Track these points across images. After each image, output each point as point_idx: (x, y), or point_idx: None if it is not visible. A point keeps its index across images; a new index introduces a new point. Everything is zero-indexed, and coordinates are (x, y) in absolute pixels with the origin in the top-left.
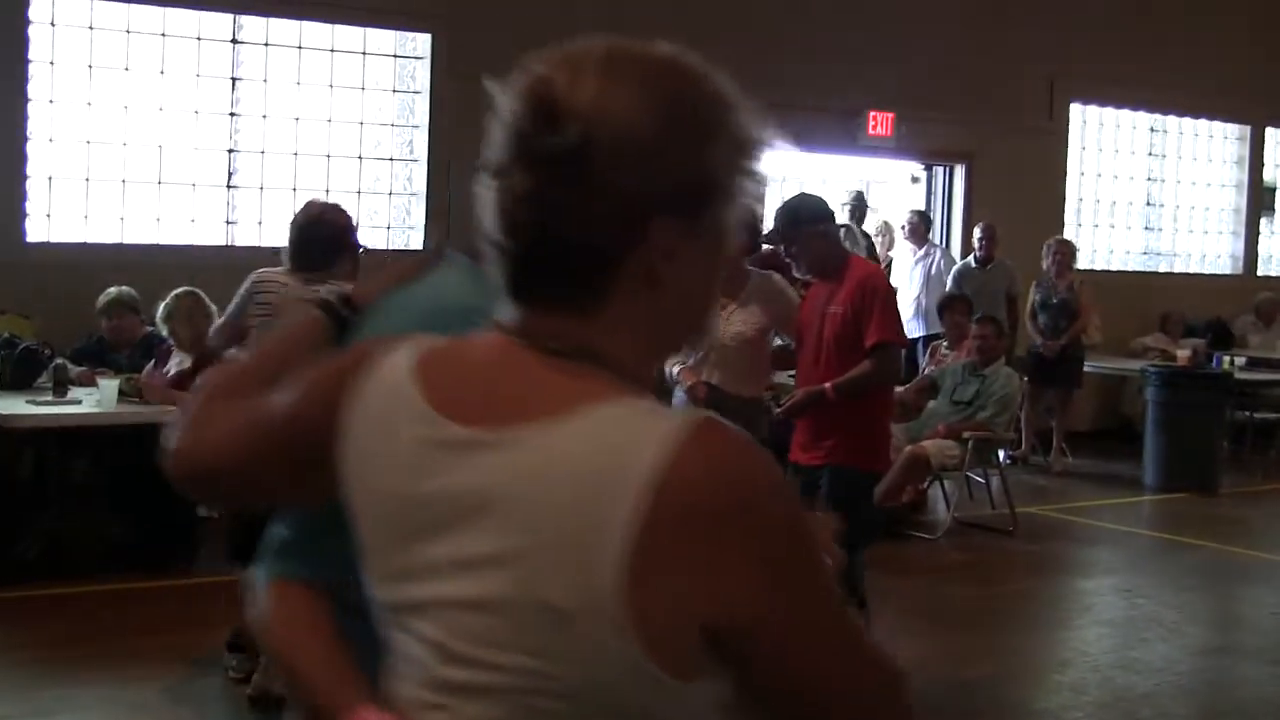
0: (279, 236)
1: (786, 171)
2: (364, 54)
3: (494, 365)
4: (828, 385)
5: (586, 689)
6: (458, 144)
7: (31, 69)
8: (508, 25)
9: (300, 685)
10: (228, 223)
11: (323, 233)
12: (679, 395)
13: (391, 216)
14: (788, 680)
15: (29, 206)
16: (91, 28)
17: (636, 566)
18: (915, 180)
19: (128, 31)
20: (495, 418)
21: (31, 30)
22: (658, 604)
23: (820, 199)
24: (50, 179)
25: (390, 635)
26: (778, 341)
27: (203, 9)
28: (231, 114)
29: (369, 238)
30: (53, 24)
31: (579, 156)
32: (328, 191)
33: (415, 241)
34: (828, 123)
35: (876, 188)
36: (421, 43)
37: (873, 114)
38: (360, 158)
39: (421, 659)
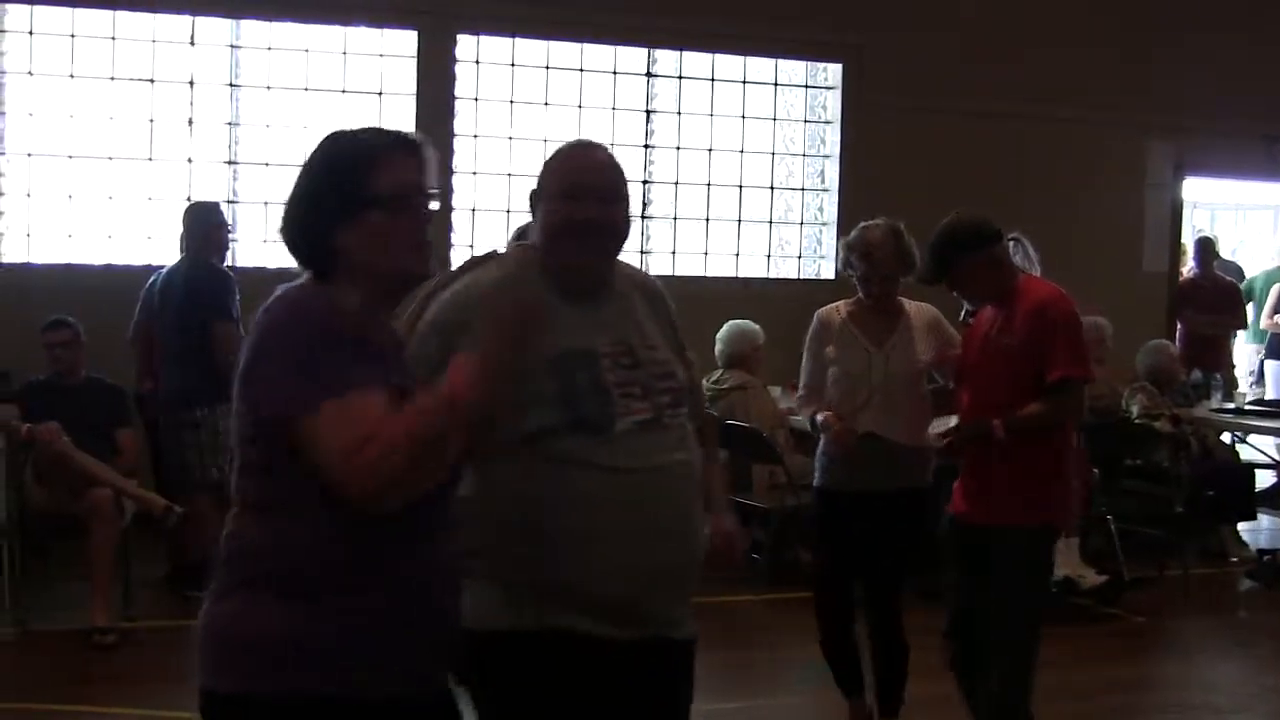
0: (695, 265)
1: (1200, 197)
2: (775, 85)
3: None
4: (997, 422)
5: None
6: (869, 173)
7: (456, 105)
8: (919, 55)
9: None
10: (641, 252)
11: None
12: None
13: (803, 246)
14: None
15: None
16: (514, 63)
17: None
18: None
19: (547, 68)
20: None
21: (457, 68)
22: None
23: (982, 217)
24: (473, 211)
25: None
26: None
27: (619, 44)
28: (645, 145)
29: (780, 267)
30: (476, 62)
31: None
32: (739, 222)
33: (826, 271)
34: (1245, 148)
35: None
36: (833, 73)
37: None
38: (772, 188)
39: None
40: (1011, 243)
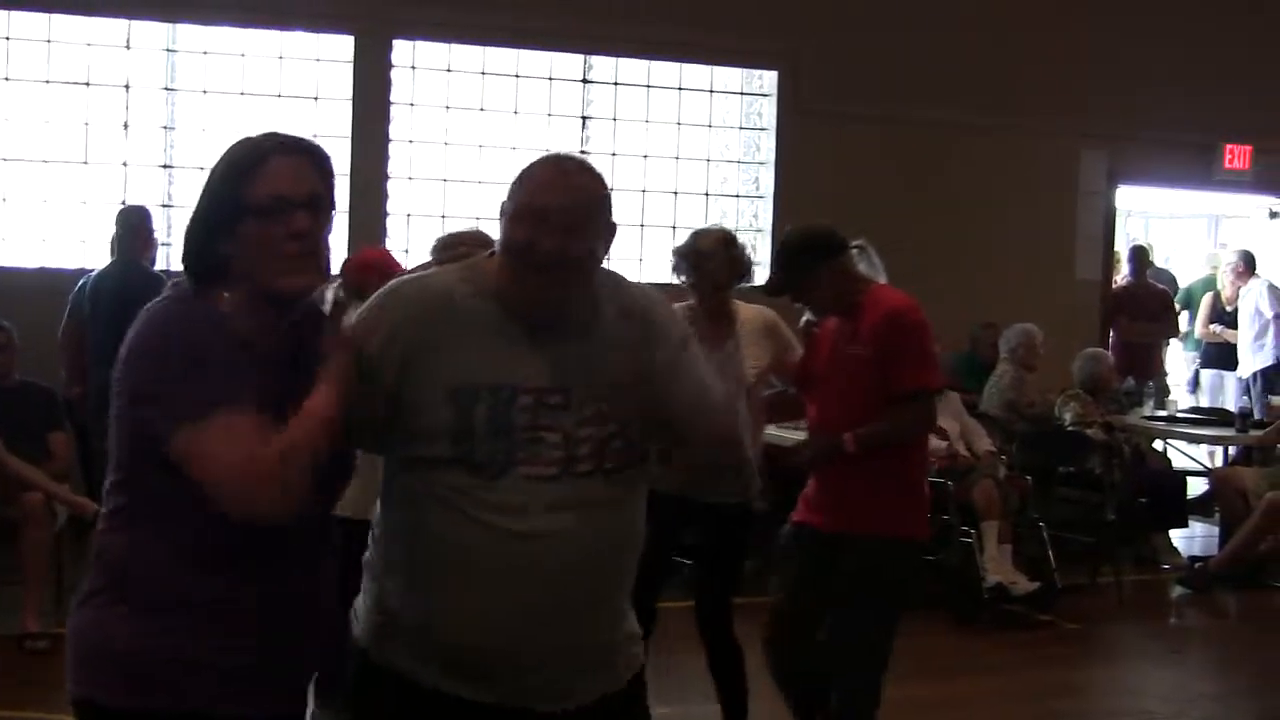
0: (629, 271)
1: (1134, 205)
2: (711, 92)
3: None
4: (848, 436)
5: None
6: (803, 180)
7: (392, 110)
8: (854, 63)
9: None
10: None
11: None
12: None
13: None
14: None
15: None
16: (449, 68)
17: None
18: (1275, 215)
19: (483, 74)
20: None
21: (393, 74)
22: None
23: (828, 227)
24: (408, 217)
25: None
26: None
27: (555, 50)
28: (582, 151)
29: None
30: (412, 67)
31: None
32: (674, 229)
33: (759, 277)
34: (1179, 156)
35: (1228, 223)
36: (768, 80)
37: (1229, 146)
38: (707, 194)
39: None
40: (856, 251)
